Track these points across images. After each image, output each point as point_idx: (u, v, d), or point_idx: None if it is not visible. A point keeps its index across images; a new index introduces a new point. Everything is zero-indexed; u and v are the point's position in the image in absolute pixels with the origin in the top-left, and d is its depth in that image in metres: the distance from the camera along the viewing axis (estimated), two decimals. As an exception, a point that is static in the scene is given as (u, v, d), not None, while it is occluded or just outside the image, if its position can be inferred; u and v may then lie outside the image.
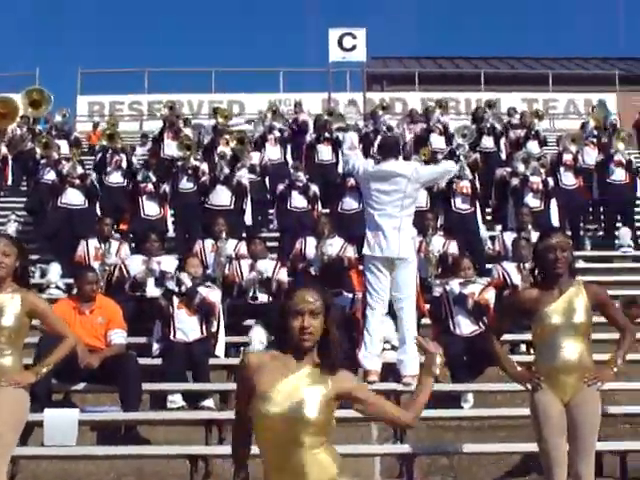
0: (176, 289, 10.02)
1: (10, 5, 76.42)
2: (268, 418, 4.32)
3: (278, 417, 4.30)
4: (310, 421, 4.32)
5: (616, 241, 15.17)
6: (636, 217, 15.99)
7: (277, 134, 17.72)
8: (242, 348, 10.59)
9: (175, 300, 9.93)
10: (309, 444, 4.34)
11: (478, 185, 14.58)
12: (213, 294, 10.20)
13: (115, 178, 15.16)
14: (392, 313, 9.66)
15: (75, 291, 9.89)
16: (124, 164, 15.27)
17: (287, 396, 4.32)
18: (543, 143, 17.96)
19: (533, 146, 17.40)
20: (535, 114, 19.31)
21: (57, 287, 12.62)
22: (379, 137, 17.27)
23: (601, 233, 15.87)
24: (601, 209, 16.13)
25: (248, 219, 14.76)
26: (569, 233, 12.74)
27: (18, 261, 6.48)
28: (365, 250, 9.26)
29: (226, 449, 8.06)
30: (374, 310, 9.16)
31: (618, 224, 15.50)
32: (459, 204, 14.10)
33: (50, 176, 15.11)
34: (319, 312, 4.39)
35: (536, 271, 6.59)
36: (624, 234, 15.19)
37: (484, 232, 14.54)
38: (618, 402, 8.93)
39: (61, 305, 9.32)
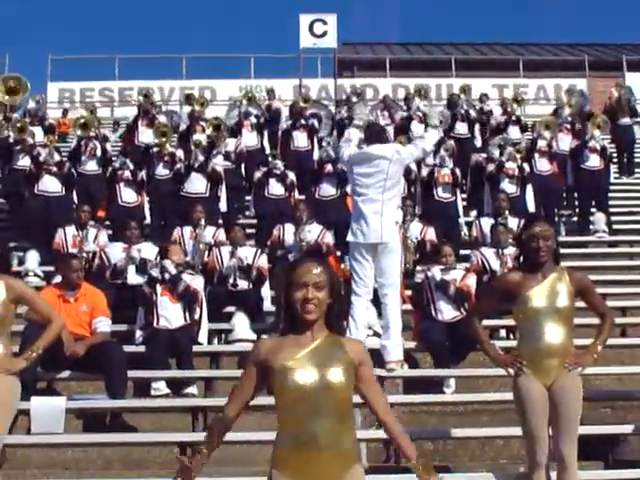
0: (160, 277, 10.06)
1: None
2: (292, 389, 4.30)
3: (302, 386, 4.29)
4: (335, 387, 4.30)
5: (591, 226, 15.31)
6: (610, 202, 16.09)
7: (253, 120, 17.71)
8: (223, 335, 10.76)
9: (158, 287, 9.96)
10: (335, 413, 4.33)
11: (459, 173, 14.67)
12: (196, 281, 10.25)
13: (91, 166, 15.07)
14: (374, 299, 9.77)
15: (59, 279, 9.85)
16: (99, 152, 15.17)
17: (309, 365, 4.30)
18: (524, 129, 18.01)
19: (514, 131, 17.56)
20: (514, 99, 19.39)
21: (35, 275, 12.60)
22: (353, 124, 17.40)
23: (575, 219, 15.96)
24: (575, 195, 16.22)
25: (223, 206, 14.77)
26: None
27: None
28: (349, 237, 9.32)
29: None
30: (359, 297, 9.20)
31: (592, 209, 15.61)
32: (440, 193, 14.30)
33: (24, 162, 14.99)
34: (324, 285, 4.34)
35: (521, 258, 6.73)
36: (598, 219, 15.34)
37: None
38: (598, 386, 9.09)
39: (46, 293, 9.20)
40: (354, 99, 19.77)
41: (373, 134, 9.81)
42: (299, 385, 4.30)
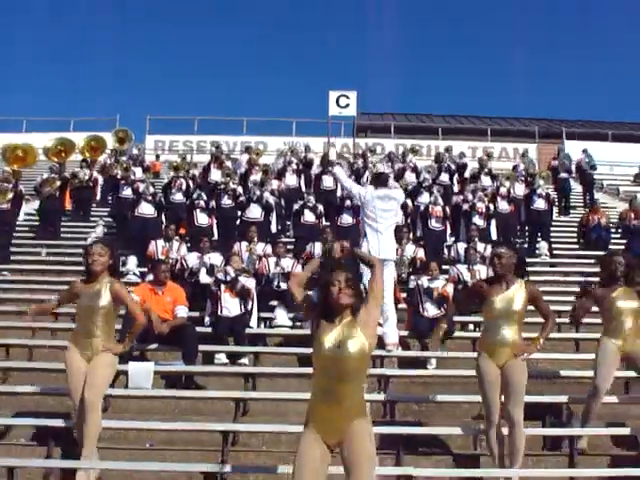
0: (223, 278, 10.08)
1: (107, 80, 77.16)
2: (323, 357, 4.47)
3: (330, 355, 4.45)
4: (354, 356, 4.45)
5: (537, 251, 15.28)
6: (552, 234, 16.10)
7: (294, 167, 17.76)
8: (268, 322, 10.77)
9: (222, 286, 9.98)
10: (352, 377, 4.46)
11: (448, 210, 14.72)
12: (249, 282, 10.25)
13: (178, 197, 15.14)
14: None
15: (151, 277, 9.93)
16: (184, 187, 15.28)
17: (334, 340, 4.48)
18: (494, 178, 17.64)
19: (486, 180, 17.38)
20: (486, 154, 19.33)
21: (134, 274, 12.68)
22: (367, 172, 17.53)
23: (526, 245, 15.91)
24: (526, 228, 16.24)
25: (273, 228, 14.88)
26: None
27: (110, 259, 6.58)
28: (374, 253, 9.00)
29: (259, 394, 8.22)
30: None
31: (539, 239, 15.61)
32: (433, 223, 14.38)
33: (127, 192, 15.17)
34: (351, 285, 4.52)
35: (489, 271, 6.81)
36: (543, 246, 15.34)
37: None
38: (541, 368, 9.06)
39: (141, 288, 9.38)
40: (368, 154, 19.82)
41: (383, 180, 9.81)
42: (328, 354, 4.45)
